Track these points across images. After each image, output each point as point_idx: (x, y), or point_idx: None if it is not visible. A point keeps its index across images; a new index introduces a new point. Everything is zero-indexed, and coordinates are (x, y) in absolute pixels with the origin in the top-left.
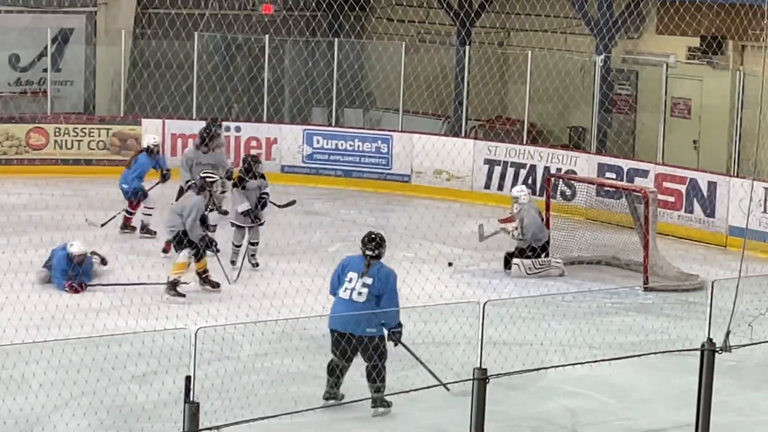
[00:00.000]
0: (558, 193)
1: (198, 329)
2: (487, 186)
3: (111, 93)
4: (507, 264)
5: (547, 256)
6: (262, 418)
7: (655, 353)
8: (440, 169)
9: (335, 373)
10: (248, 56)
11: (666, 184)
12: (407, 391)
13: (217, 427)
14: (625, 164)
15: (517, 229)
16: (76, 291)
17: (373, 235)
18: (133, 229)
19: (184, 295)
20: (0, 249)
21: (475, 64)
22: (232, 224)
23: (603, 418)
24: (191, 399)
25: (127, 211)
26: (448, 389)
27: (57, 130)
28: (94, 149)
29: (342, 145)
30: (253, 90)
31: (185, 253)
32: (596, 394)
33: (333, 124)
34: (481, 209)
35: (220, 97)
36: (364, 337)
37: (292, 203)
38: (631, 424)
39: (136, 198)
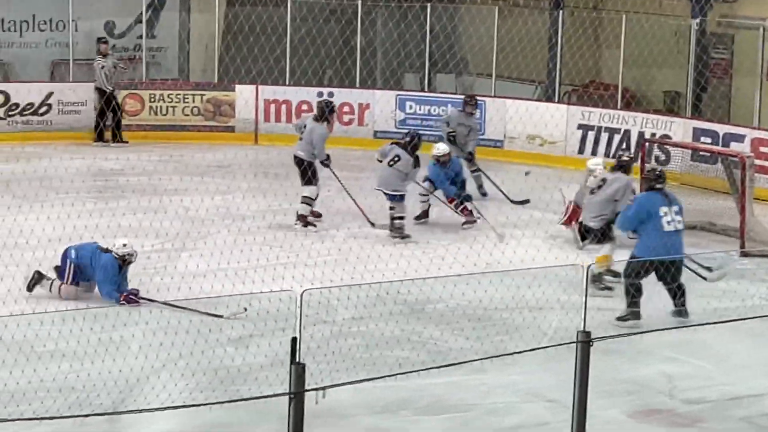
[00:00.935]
0: (652, 158)
1: (303, 291)
2: (581, 151)
3: (205, 59)
4: (583, 238)
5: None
6: (364, 381)
7: (753, 318)
8: (533, 135)
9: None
10: (341, 21)
11: (763, 149)
12: (503, 355)
13: (323, 388)
14: (721, 129)
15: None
16: (136, 303)
17: (658, 171)
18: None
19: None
20: (99, 213)
21: (569, 28)
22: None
23: (700, 383)
24: (297, 360)
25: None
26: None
27: (152, 96)
28: (188, 115)
29: (435, 110)
30: (346, 55)
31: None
32: (693, 359)
33: (425, 89)
34: (574, 175)
35: (314, 63)
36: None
37: (526, 202)
38: (729, 390)
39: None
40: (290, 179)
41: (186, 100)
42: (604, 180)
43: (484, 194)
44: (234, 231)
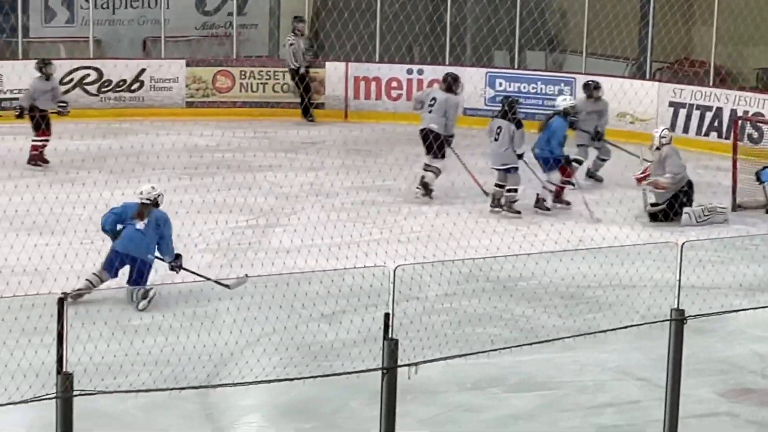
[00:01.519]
0: (745, 135)
1: (396, 267)
2: (672, 129)
3: None
4: (654, 218)
5: (691, 198)
6: (455, 357)
7: None
8: (624, 112)
9: None
10: None
11: None
12: (594, 333)
13: (415, 364)
14: None
15: (670, 176)
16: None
17: None
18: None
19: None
20: (191, 189)
21: (663, 4)
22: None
23: None
24: (390, 336)
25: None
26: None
27: (242, 73)
28: (278, 92)
29: (525, 87)
30: (437, 32)
31: None
32: None
33: (515, 66)
34: None
35: (406, 39)
36: None
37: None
38: None
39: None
40: (380, 156)
41: (276, 77)
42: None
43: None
44: (324, 207)
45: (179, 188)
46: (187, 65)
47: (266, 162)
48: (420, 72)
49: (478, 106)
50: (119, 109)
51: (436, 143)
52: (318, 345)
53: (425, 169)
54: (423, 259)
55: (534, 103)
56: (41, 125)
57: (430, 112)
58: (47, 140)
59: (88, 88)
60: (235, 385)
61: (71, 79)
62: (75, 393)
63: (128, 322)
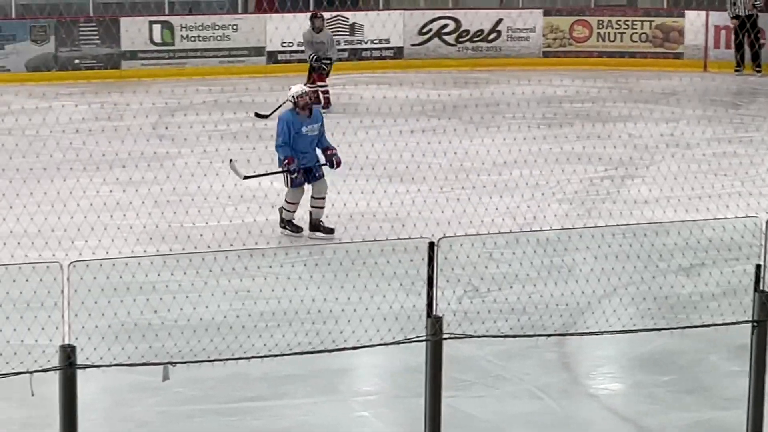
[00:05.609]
0: None
1: None
2: None
3: None
4: None
5: None
6: None
7: None
8: None
9: None
10: None
11: None
12: None
13: None
14: None
15: None
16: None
17: None
18: None
19: None
20: (546, 138)
21: None
22: None
23: None
24: (762, 287)
25: None
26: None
27: (600, 22)
28: (636, 42)
29: None
30: None
31: None
32: None
33: None
34: None
35: None
36: None
37: None
38: None
39: None
40: (741, 107)
41: (634, 27)
42: None
43: None
44: (681, 159)
45: (537, 138)
46: (545, 15)
47: (622, 112)
48: None
49: None
50: (476, 59)
51: None
52: (675, 297)
53: None
54: None
55: None
56: (311, 75)
57: None
58: (318, 86)
59: (446, 38)
60: (590, 334)
61: (429, 30)
62: (444, 336)
63: (485, 269)
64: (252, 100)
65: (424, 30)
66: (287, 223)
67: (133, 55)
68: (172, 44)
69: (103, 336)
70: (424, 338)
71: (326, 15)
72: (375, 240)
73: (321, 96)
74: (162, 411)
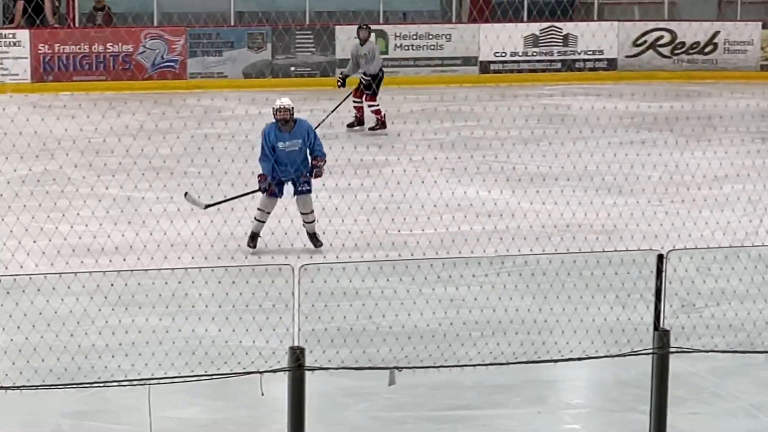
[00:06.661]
0: None
1: None
2: None
3: None
4: None
5: None
6: None
7: None
8: None
9: None
10: None
11: None
12: None
13: None
14: None
15: None
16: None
17: None
18: None
19: None
20: (762, 153)
21: None
22: None
23: None
24: None
25: None
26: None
27: None
28: None
29: None
30: None
31: None
32: None
33: None
34: None
35: None
36: None
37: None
38: None
39: None
40: None
41: None
42: None
43: None
44: None
45: (751, 152)
46: (763, 27)
47: None
48: None
49: None
50: (691, 71)
51: None
52: None
53: None
54: None
55: None
56: (359, 88)
57: None
58: (362, 103)
59: (661, 49)
60: None
61: (644, 41)
62: (671, 350)
63: (703, 284)
64: (459, 109)
65: (639, 41)
66: (251, 236)
67: (345, 64)
68: (386, 53)
69: (318, 339)
70: (650, 351)
71: (543, 25)
72: (603, 251)
73: (362, 115)
74: (374, 416)
